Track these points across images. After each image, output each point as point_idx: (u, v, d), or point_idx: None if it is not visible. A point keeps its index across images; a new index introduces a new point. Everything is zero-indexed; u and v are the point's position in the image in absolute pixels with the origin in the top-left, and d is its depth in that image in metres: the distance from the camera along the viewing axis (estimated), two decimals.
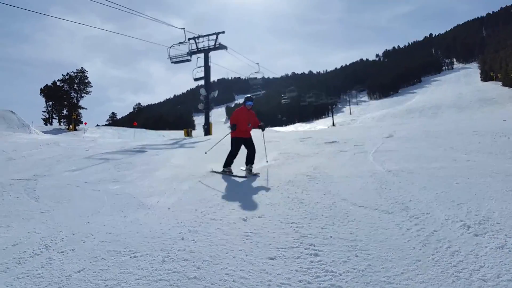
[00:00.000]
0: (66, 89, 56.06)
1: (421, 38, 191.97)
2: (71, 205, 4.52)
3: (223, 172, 6.04)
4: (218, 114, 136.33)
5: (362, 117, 71.77)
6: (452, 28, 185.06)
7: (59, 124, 54.39)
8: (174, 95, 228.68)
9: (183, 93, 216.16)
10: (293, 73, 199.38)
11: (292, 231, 3.09)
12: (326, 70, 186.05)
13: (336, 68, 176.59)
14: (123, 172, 6.77)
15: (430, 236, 2.75)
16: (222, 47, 23.65)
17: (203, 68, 23.84)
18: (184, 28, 22.63)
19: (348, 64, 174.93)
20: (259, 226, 3.26)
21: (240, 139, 6.17)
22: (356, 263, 2.42)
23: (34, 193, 5.25)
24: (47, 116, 57.87)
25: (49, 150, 10.34)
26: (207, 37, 23.71)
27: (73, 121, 48.14)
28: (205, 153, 7.22)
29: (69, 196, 5.01)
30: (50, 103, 57.23)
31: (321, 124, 72.91)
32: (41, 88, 56.83)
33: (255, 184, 5.19)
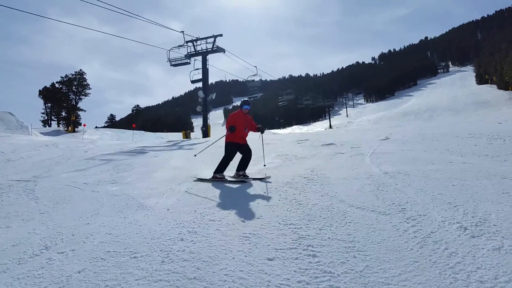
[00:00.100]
0: (64, 91, 55.82)
1: (416, 41, 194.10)
2: (70, 206, 4.51)
3: (213, 179, 5.60)
4: (216, 116, 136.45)
5: (359, 120, 71.92)
6: (448, 31, 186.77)
7: (58, 126, 54.16)
8: (173, 97, 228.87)
9: (181, 95, 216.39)
10: (291, 76, 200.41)
11: (290, 232, 3.12)
12: (323, 73, 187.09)
13: (333, 71, 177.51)
14: (122, 173, 6.76)
15: (427, 238, 2.79)
16: (220, 49, 23.68)
17: (200, 71, 23.86)
18: (183, 32, 22.65)
19: (344, 67, 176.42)
20: (257, 227, 3.28)
21: (236, 145, 5.79)
22: (354, 264, 2.45)
23: (34, 194, 5.24)
24: (46, 117, 57.78)
25: (48, 152, 10.30)
26: (205, 40, 23.77)
27: (71, 123, 47.93)
28: (195, 155, 6.72)
29: (69, 197, 5.00)
30: (49, 105, 57.09)
31: (318, 127, 73.02)
32: (39, 90, 56.73)
33: (253, 186, 5.21)
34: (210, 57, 23.92)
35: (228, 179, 5.64)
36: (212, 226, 3.38)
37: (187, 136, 25.02)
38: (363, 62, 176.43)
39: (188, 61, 23.98)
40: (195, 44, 23.82)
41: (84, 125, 44.36)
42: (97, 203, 4.61)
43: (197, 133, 35.55)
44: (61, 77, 57.15)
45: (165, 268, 2.51)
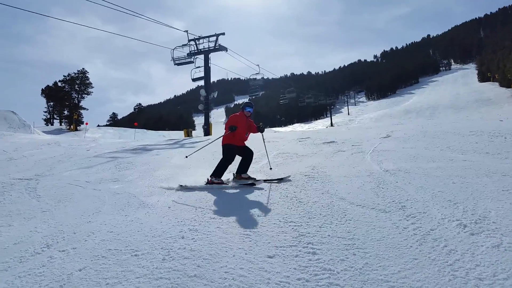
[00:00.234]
0: (67, 89, 56.10)
1: (418, 39, 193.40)
2: (72, 204, 4.54)
3: (209, 183, 5.14)
4: (218, 115, 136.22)
5: (360, 118, 71.80)
6: (450, 29, 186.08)
7: (60, 125, 54.53)
8: (175, 96, 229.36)
9: (183, 94, 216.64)
10: (292, 74, 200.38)
11: (290, 230, 3.12)
12: (325, 71, 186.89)
13: (334, 69, 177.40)
14: (124, 171, 6.79)
15: (426, 235, 2.79)
16: (222, 48, 23.67)
17: (201, 69, 23.88)
18: (187, 31, 22.68)
19: (346, 65, 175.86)
20: (258, 225, 3.29)
21: (235, 147, 5.45)
22: (353, 261, 2.45)
23: (35, 192, 5.28)
24: (48, 116, 57.93)
25: (50, 150, 10.36)
26: (207, 38, 23.76)
27: (74, 122, 48.16)
28: (186, 157, 6.10)
29: (70, 195, 5.04)
30: (51, 103, 57.31)
31: (320, 125, 73.04)
32: (42, 89, 57.06)
33: (254, 184, 5.21)
34: (212, 55, 23.94)
35: (230, 185, 5.18)
36: (212, 224, 3.39)
37: (188, 134, 25.09)
38: (365, 60, 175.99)
39: (192, 60, 24.02)
40: (197, 42, 23.83)
41: (86, 123, 44.46)
42: (99, 201, 4.64)
43: (198, 131, 35.62)
44: (63, 76, 57.49)
45: (166, 266, 2.52)
